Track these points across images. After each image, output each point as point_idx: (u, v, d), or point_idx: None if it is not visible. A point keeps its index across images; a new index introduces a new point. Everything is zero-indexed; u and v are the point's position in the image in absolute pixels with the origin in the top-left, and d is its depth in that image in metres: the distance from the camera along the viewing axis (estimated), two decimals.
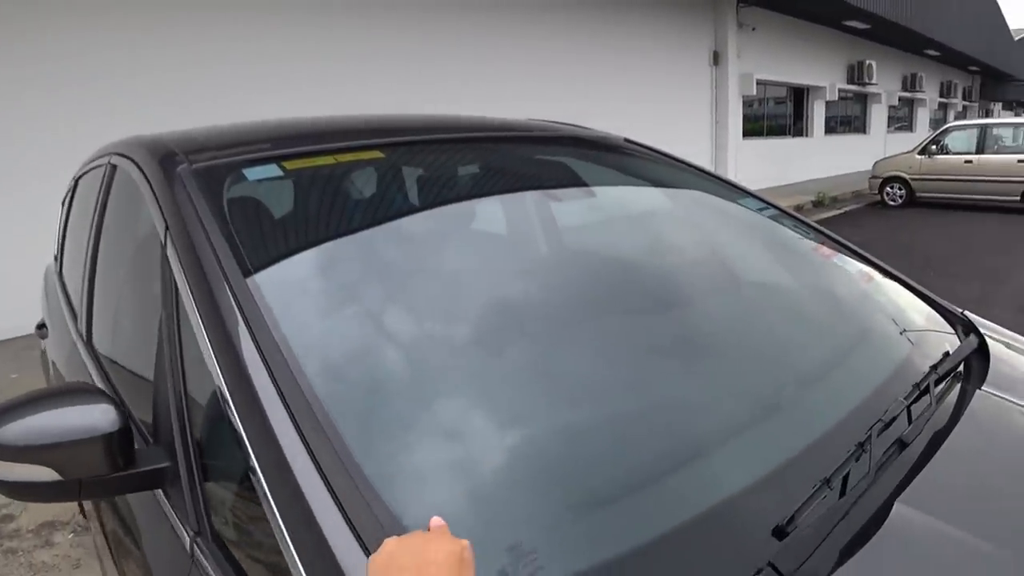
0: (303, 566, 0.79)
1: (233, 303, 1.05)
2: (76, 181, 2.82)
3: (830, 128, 19.93)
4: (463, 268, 1.52)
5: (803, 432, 1.14)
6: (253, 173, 1.46)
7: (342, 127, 1.84)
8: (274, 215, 1.43)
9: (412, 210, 1.66)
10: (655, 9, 12.49)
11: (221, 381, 0.98)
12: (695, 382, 1.34)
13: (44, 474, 1.07)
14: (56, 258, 3.23)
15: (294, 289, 1.22)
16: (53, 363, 2.59)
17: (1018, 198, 12.84)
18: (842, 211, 13.90)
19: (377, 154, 1.60)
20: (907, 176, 14.19)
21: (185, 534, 1.06)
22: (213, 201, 1.32)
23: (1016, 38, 34.68)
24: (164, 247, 1.26)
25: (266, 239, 1.35)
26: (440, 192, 1.73)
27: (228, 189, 1.40)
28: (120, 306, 1.74)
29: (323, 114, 2.07)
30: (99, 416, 1.07)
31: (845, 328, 1.62)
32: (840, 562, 0.88)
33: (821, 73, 18.18)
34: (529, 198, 2.09)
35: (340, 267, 1.37)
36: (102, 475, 1.08)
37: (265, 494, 0.87)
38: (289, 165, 1.48)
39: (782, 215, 2.07)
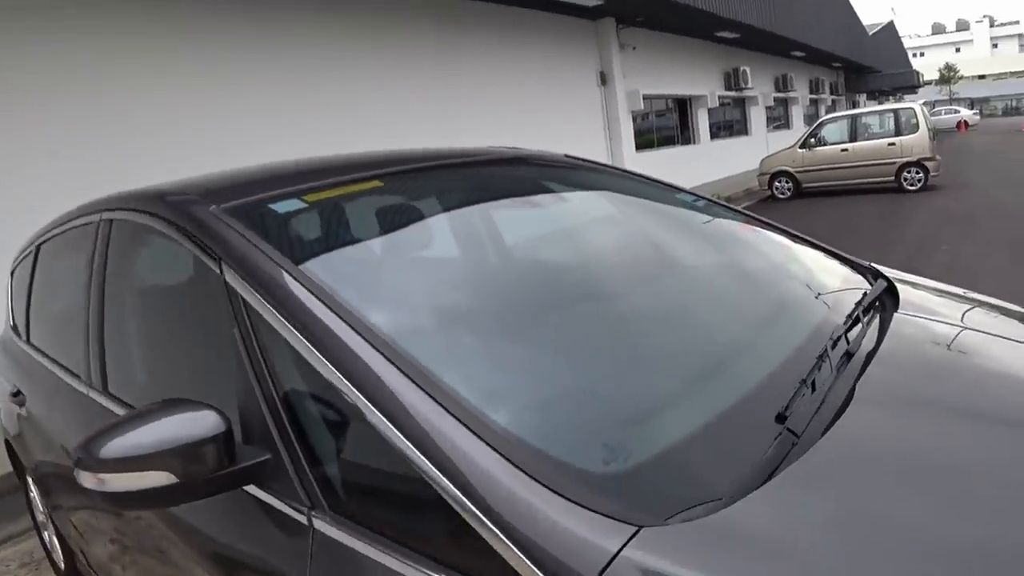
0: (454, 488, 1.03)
1: (317, 304, 1.28)
2: (38, 247, 2.92)
3: (715, 133, 20.90)
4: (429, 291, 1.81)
5: (779, 353, 1.47)
6: (281, 207, 1.69)
7: (334, 164, 2.09)
8: (306, 235, 1.67)
9: (414, 220, 1.95)
10: (544, 37, 12.98)
11: (333, 373, 1.18)
12: (689, 333, 1.65)
13: (162, 479, 1.25)
14: (14, 327, 3.27)
15: (346, 288, 1.44)
16: (40, 422, 2.66)
17: (892, 178, 13.94)
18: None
19: (377, 183, 1.88)
20: (792, 170, 15.18)
21: (299, 512, 1.25)
22: (254, 229, 1.54)
23: (870, 33, 37.27)
24: (222, 277, 1.46)
25: (314, 254, 1.59)
26: (427, 206, 2.04)
27: (263, 219, 1.63)
28: (152, 345, 1.92)
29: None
30: (207, 421, 1.26)
31: (785, 284, 1.98)
32: (827, 427, 1.19)
33: (701, 83, 19.14)
34: (479, 218, 2.37)
35: (382, 269, 1.64)
36: (215, 473, 1.27)
37: (405, 449, 1.09)
38: (309, 199, 1.73)
39: (712, 204, 2.41)
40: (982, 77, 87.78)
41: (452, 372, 1.25)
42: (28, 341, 3.00)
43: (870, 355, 1.47)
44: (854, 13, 31.60)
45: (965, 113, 45.95)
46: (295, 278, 1.36)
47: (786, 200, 15.15)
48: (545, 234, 2.26)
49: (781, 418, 1.16)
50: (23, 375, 2.98)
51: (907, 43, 65.77)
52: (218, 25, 7.77)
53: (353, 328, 1.23)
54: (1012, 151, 22.01)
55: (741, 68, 20.71)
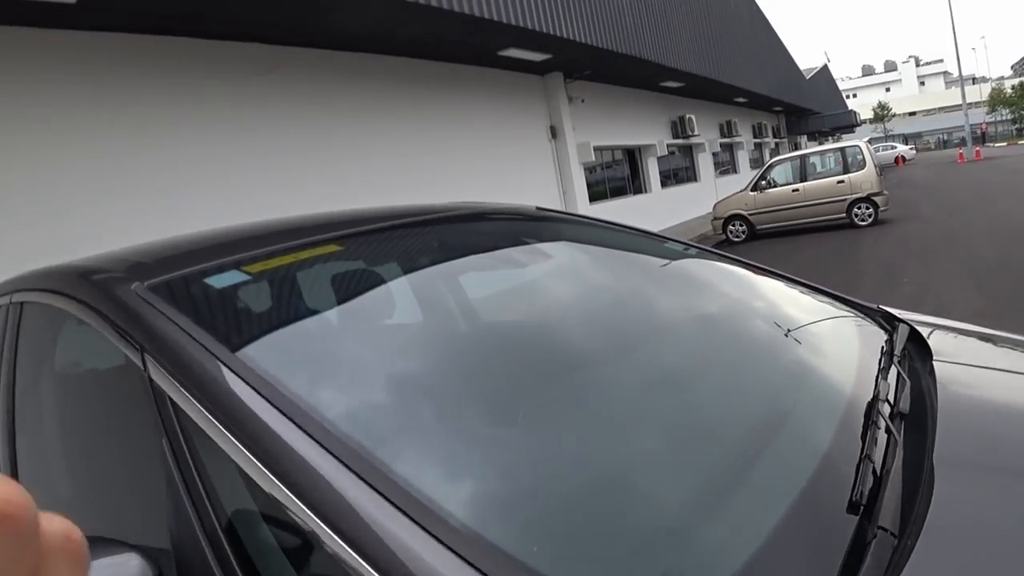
0: None
1: (262, 403, 1.02)
2: None
3: (665, 181, 21.03)
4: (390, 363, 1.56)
5: (820, 427, 1.22)
6: (215, 281, 1.43)
7: (286, 226, 1.85)
8: (243, 318, 1.41)
9: (374, 287, 1.68)
10: (492, 93, 12.98)
11: (286, 494, 0.92)
12: (705, 412, 1.41)
13: None
14: None
15: (298, 378, 1.19)
16: None
17: (843, 214, 14.09)
18: None
19: (334, 247, 1.63)
20: (745, 212, 15.28)
21: None
22: (184, 310, 1.28)
23: (807, 76, 38.39)
24: (146, 372, 1.20)
25: (258, 336, 1.33)
26: (388, 271, 1.77)
27: (195, 297, 1.38)
28: (68, 459, 1.62)
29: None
30: (128, 569, 1.00)
31: (797, 336, 1.74)
32: (920, 509, 0.95)
33: (649, 132, 19.33)
34: (441, 280, 2.14)
35: (340, 349, 1.37)
36: None
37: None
38: (249, 269, 1.47)
39: (694, 249, 2.21)
40: (912, 114, 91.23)
41: (437, 483, 1.00)
42: None
43: (924, 413, 1.25)
44: (791, 59, 32.51)
45: (902, 148, 47.29)
46: (234, 370, 1.10)
47: (742, 242, 15.19)
48: (524, 297, 2.02)
49: (854, 508, 0.92)
50: None
51: (840, 85, 67.88)
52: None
53: (308, 433, 0.97)
54: (951, 181, 22.55)
55: (687, 116, 20.99)
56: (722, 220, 15.65)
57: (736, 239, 15.40)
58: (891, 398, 1.28)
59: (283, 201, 8.17)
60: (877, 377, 1.36)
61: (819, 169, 15.08)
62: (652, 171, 19.85)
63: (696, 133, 21.55)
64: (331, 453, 0.94)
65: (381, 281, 1.71)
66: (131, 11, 6.73)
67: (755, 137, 30.55)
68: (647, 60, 14.49)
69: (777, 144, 34.70)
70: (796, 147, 37.50)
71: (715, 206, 16.09)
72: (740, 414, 1.38)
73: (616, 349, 1.76)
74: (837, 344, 1.69)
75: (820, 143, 39.58)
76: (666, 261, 2.23)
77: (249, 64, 8.51)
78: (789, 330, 1.80)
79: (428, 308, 1.83)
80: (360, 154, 9.98)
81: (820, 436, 1.19)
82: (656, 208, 19.22)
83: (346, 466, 0.92)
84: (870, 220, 13.89)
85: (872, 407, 1.19)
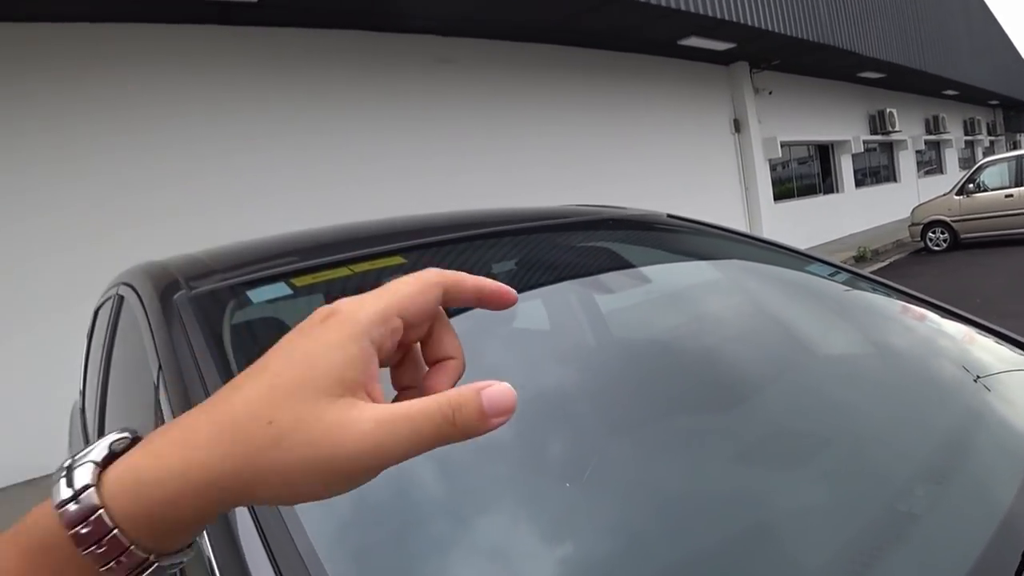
0: None
1: None
2: (95, 312, 2.72)
3: (859, 181, 19.69)
4: (508, 372, 1.35)
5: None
6: (259, 294, 1.30)
7: (358, 234, 1.69)
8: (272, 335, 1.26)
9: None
10: (671, 84, 12.56)
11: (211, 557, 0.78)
12: (804, 494, 1.12)
13: None
14: (81, 394, 3.11)
15: None
16: None
17: None
18: (886, 263, 13.56)
19: (399, 260, 1.44)
20: (948, 219, 13.85)
21: None
22: (211, 333, 1.15)
23: None
24: (156, 390, 1.09)
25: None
26: None
27: (229, 317, 1.24)
28: None
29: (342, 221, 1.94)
30: None
31: (957, 405, 1.39)
32: None
33: (843, 127, 18.08)
34: (571, 290, 1.93)
35: None
36: None
37: None
38: (299, 282, 1.33)
39: (855, 278, 1.86)
40: None
41: None
42: (82, 411, 2.82)
43: None
44: (1012, 46, 29.36)
45: None
46: None
47: (942, 252, 13.81)
48: (634, 332, 1.78)
49: None
50: (72, 451, 2.79)
51: None
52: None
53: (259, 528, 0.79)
54: None
55: (887, 110, 19.45)
56: (921, 226, 14.27)
57: (936, 248, 14.02)
58: None
59: (450, 194, 8.24)
60: None
61: None
62: (846, 169, 18.61)
63: (897, 129, 19.91)
64: None
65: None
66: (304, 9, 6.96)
67: (966, 134, 27.84)
68: (843, 49, 13.46)
69: (992, 142, 31.48)
70: (1015, 146, 33.86)
71: (914, 210, 14.71)
72: (909, 463, 1.19)
73: (759, 384, 1.52)
74: (1016, 410, 1.32)
75: None
76: (818, 284, 1.90)
77: (423, 56, 8.61)
78: (978, 376, 1.46)
79: (509, 340, 1.60)
80: (533, 144, 9.91)
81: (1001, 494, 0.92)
82: (848, 209, 17.99)
83: None
84: None
85: None
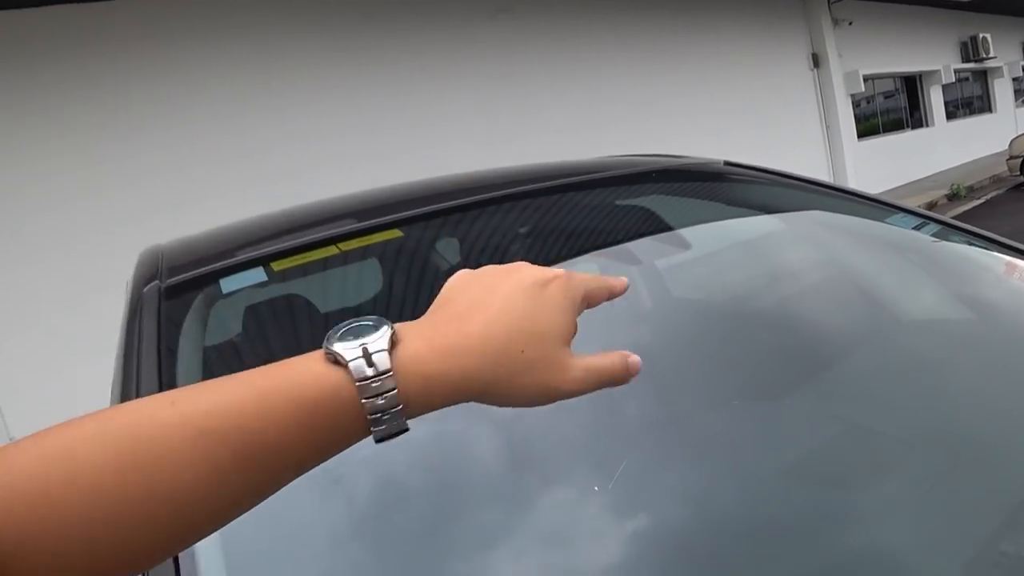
0: None
1: None
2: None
3: (951, 113, 18.67)
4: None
5: None
6: (231, 283, 1.10)
7: (353, 206, 1.45)
8: (250, 338, 1.06)
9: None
10: (743, 18, 11.98)
11: None
12: (884, 511, 0.86)
13: None
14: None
15: None
16: None
17: None
18: (983, 200, 12.74)
19: (395, 233, 1.20)
20: None
21: None
22: (174, 330, 1.00)
23: None
24: (122, 387, 0.97)
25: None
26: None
27: (197, 310, 1.06)
28: None
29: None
30: None
31: None
32: None
33: (932, 56, 17.06)
34: (616, 259, 1.66)
35: None
36: None
37: None
38: (277, 266, 1.11)
39: (948, 230, 1.53)
40: None
41: None
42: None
43: None
44: None
45: None
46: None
47: None
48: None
49: None
50: None
51: None
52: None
53: None
54: None
55: (981, 35, 18.28)
56: (1021, 159, 13.34)
57: None
58: None
59: (518, 154, 7.99)
60: None
61: None
62: (935, 101, 17.63)
63: (992, 55, 18.72)
64: None
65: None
66: None
67: None
68: None
69: None
70: None
71: (1012, 143, 13.75)
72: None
73: (843, 349, 1.30)
74: None
75: None
76: (900, 236, 1.58)
77: (478, 5, 8.30)
78: None
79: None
80: (599, 98, 9.56)
81: None
82: (940, 144, 17.08)
83: None
84: None
85: None
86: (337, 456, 0.45)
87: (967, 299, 1.48)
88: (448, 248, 1.28)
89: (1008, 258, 1.44)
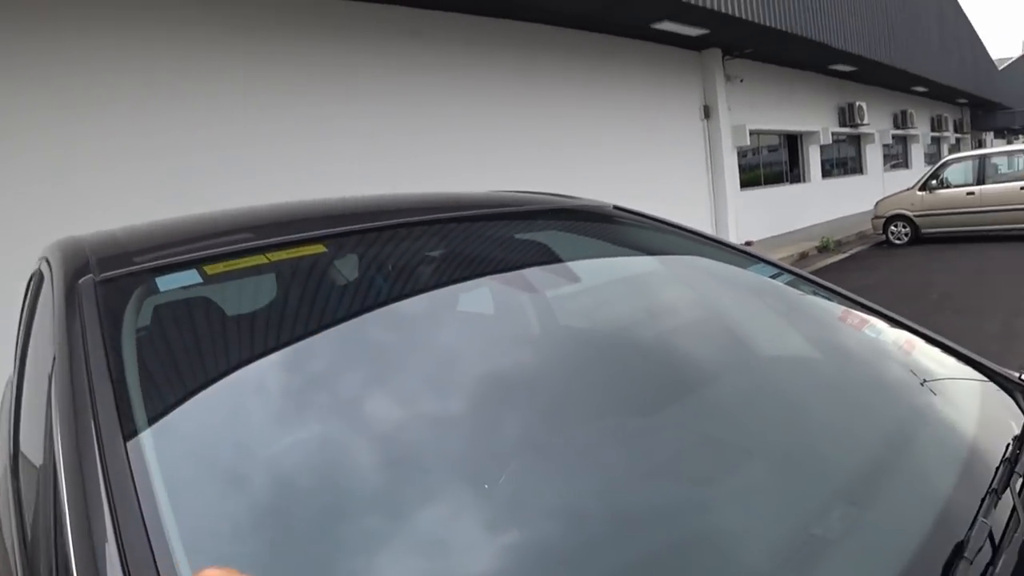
0: None
1: (101, 482, 0.79)
2: (27, 284, 2.60)
3: (827, 172, 19.83)
4: (442, 390, 1.28)
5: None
6: (167, 282, 1.21)
7: (282, 217, 1.59)
8: (188, 337, 1.18)
9: (371, 310, 1.41)
10: (644, 67, 12.47)
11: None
12: (729, 505, 1.08)
13: None
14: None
15: (200, 457, 0.97)
16: None
17: None
18: (848, 254, 13.70)
19: (319, 248, 1.36)
20: (910, 213, 14.02)
21: None
22: (111, 326, 1.07)
23: (1000, 67, 35.02)
24: (50, 384, 1.01)
25: (172, 377, 1.09)
26: (401, 288, 1.48)
27: (132, 307, 1.16)
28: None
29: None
30: None
31: (893, 415, 1.36)
32: None
33: (813, 118, 18.17)
34: (512, 283, 1.86)
35: (278, 408, 1.11)
36: None
37: None
38: (211, 269, 1.24)
39: (799, 280, 1.82)
40: None
41: None
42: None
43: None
44: (982, 46, 29.68)
45: None
46: (98, 426, 0.87)
47: (903, 246, 13.99)
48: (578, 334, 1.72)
49: None
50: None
51: None
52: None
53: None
54: None
55: (857, 103, 19.59)
56: (884, 219, 14.45)
57: (897, 241, 14.20)
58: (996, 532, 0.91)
59: (415, 175, 8.12)
60: (986, 495, 0.99)
61: (1002, 171, 13.61)
62: (813, 159, 18.74)
63: (866, 122, 20.10)
64: None
65: (355, 308, 1.42)
66: None
67: (933, 131, 28.14)
68: (815, 41, 13.47)
69: (958, 140, 31.88)
70: (980, 144, 34.37)
71: (877, 204, 14.87)
72: (847, 465, 1.20)
73: (699, 383, 1.50)
74: (948, 425, 1.29)
75: (1008, 142, 36.18)
76: (762, 283, 1.86)
77: (393, 26, 8.41)
78: (924, 380, 1.44)
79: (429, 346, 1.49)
80: (497, 125, 9.78)
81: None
82: (814, 199, 18.16)
83: None
84: None
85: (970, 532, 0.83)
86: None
87: (811, 338, 1.75)
88: (355, 265, 1.44)
89: (843, 307, 1.74)
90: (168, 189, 6.32)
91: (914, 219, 13.97)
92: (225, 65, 7.00)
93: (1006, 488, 1.00)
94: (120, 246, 1.35)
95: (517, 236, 1.84)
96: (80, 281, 1.16)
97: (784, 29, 12.27)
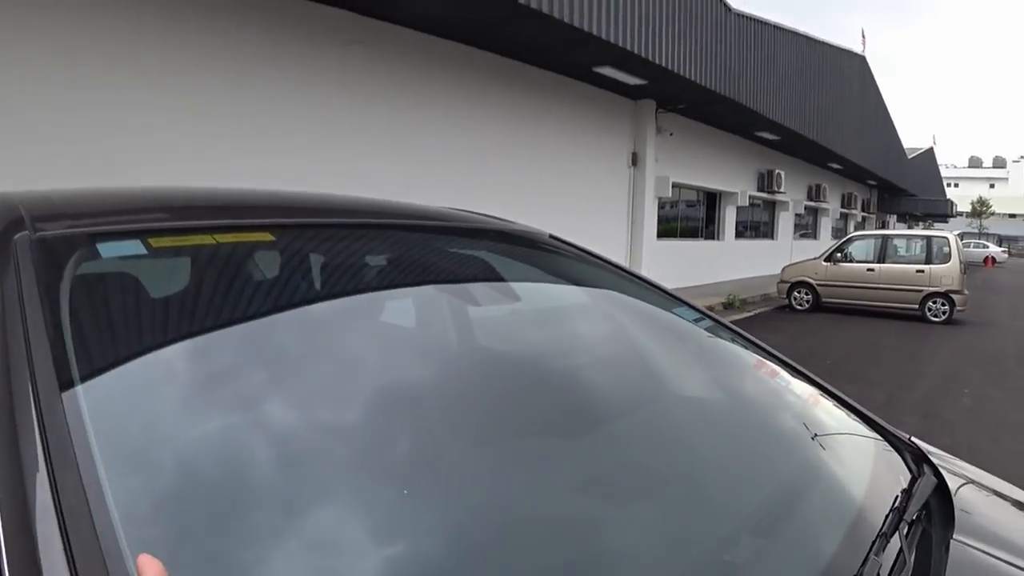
0: None
1: (38, 437, 0.77)
2: None
3: (740, 232, 20.56)
4: (367, 365, 1.29)
5: None
6: (109, 249, 1.18)
7: (230, 201, 1.57)
8: (128, 306, 1.16)
9: (302, 305, 1.41)
10: (580, 108, 12.71)
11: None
12: (628, 530, 1.11)
13: None
14: None
15: (134, 418, 0.95)
16: None
17: (916, 306, 13.44)
18: (752, 314, 14.21)
19: (267, 236, 1.35)
20: (813, 282, 14.72)
21: None
22: (48, 286, 1.03)
23: (910, 156, 37.19)
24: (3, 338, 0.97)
25: (111, 340, 1.07)
26: (338, 285, 1.49)
27: (73, 269, 1.12)
28: None
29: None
30: None
31: (792, 460, 1.44)
32: None
33: (733, 179, 18.84)
34: (441, 296, 1.88)
35: (205, 382, 1.09)
36: None
37: None
38: (156, 242, 1.21)
39: (718, 327, 1.91)
40: (1013, 216, 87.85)
41: None
42: None
43: None
44: (896, 134, 31.48)
45: (994, 249, 45.40)
46: (34, 379, 0.84)
47: (804, 312, 14.64)
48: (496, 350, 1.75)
49: None
50: None
51: (943, 172, 65.63)
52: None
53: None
54: None
55: (776, 171, 20.44)
56: (788, 285, 15.12)
57: (799, 307, 14.86)
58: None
59: (345, 179, 8.06)
60: (877, 538, 1.06)
61: (901, 253, 14.47)
62: (729, 219, 19.40)
63: (782, 190, 20.98)
64: None
65: (307, 298, 1.43)
66: None
67: (843, 207, 29.63)
68: (745, 106, 14.04)
69: (864, 219, 33.64)
70: (884, 225, 36.39)
71: (784, 269, 15.56)
72: (741, 510, 1.22)
73: (612, 414, 1.53)
74: (843, 483, 1.37)
75: (909, 226, 38.44)
76: (683, 326, 1.94)
77: (333, 33, 8.35)
78: (816, 435, 1.52)
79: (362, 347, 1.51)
80: (430, 142, 9.81)
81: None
82: (725, 257, 18.76)
83: None
84: (943, 317, 13.24)
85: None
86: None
87: (722, 383, 1.83)
88: (309, 260, 1.44)
89: (757, 357, 1.82)
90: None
91: (817, 287, 14.66)
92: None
93: (894, 532, 1.07)
94: (54, 207, 1.30)
95: (452, 251, 1.86)
96: (16, 236, 1.11)
97: (718, 91, 12.74)
